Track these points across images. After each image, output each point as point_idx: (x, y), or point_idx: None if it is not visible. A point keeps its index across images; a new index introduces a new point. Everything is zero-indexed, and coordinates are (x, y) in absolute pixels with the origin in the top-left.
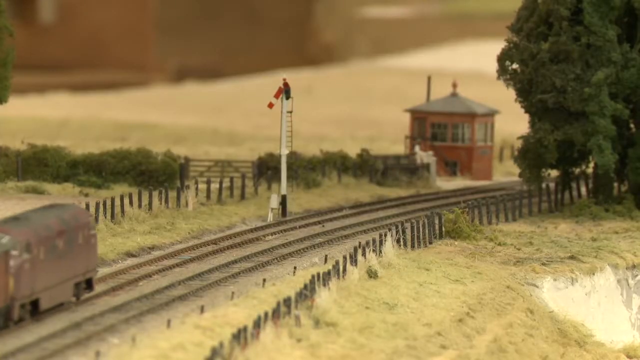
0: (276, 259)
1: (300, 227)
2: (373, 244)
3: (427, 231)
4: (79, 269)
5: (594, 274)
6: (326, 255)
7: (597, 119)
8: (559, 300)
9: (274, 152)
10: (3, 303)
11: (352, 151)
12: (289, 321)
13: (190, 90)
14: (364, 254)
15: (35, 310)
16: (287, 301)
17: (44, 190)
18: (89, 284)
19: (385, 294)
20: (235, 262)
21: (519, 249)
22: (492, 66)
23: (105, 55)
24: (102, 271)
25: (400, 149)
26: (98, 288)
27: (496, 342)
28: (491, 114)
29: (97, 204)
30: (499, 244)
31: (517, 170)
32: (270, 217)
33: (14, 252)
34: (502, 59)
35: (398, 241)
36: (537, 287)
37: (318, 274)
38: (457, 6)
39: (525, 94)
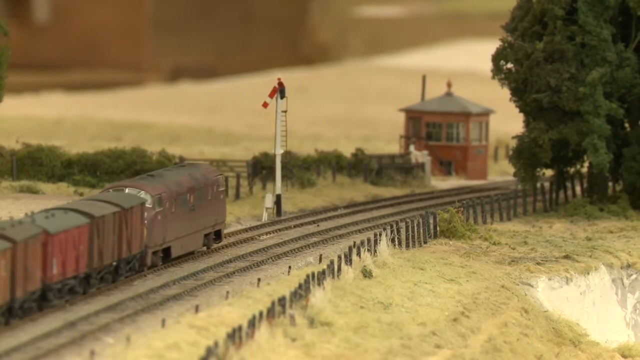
0: (271, 258)
1: (295, 226)
2: (368, 244)
3: (421, 231)
4: (208, 221)
5: (588, 273)
6: (321, 255)
7: (592, 119)
8: (553, 300)
9: (268, 152)
10: (138, 250)
11: (347, 151)
12: (284, 321)
13: (185, 89)
14: (358, 254)
15: (167, 258)
16: (281, 301)
17: (39, 190)
18: (217, 236)
19: (380, 294)
20: (229, 261)
21: (513, 249)
22: (487, 66)
23: (100, 55)
24: None
25: (395, 148)
26: None
27: (491, 341)
28: (486, 113)
29: None
30: (494, 244)
31: (512, 170)
32: (265, 217)
33: (148, 205)
34: (496, 58)
35: (393, 241)
36: (531, 286)
37: (313, 274)
38: (452, 6)
39: (520, 94)
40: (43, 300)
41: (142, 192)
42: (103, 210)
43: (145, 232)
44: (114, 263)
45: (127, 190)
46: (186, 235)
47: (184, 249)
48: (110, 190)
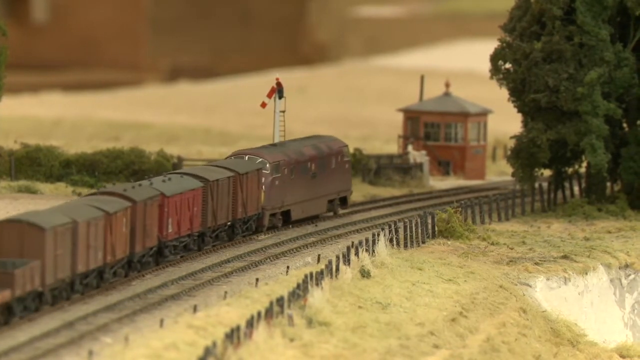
0: (269, 258)
1: (293, 226)
2: (366, 244)
3: (420, 231)
4: (331, 188)
5: (586, 273)
6: (319, 255)
7: (590, 119)
8: (552, 300)
9: None
10: (256, 211)
11: None
12: (282, 321)
13: (183, 89)
14: (356, 254)
15: (288, 219)
16: (280, 301)
17: (37, 190)
18: (343, 202)
19: (378, 294)
20: (228, 261)
21: (511, 249)
22: (485, 66)
23: (98, 55)
24: None
25: (393, 148)
26: None
27: (489, 341)
28: (484, 113)
29: None
30: (492, 244)
31: (510, 170)
32: None
33: (265, 171)
34: (495, 58)
35: (391, 241)
36: (530, 286)
37: (311, 274)
38: (450, 6)
39: (518, 94)
40: (159, 256)
41: (261, 159)
42: (218, 174)
43: (262, 195)
44: (229, 223)
45: (246, 158)
46: (307, 200)
47: (305, 212)
48: (232, 157)
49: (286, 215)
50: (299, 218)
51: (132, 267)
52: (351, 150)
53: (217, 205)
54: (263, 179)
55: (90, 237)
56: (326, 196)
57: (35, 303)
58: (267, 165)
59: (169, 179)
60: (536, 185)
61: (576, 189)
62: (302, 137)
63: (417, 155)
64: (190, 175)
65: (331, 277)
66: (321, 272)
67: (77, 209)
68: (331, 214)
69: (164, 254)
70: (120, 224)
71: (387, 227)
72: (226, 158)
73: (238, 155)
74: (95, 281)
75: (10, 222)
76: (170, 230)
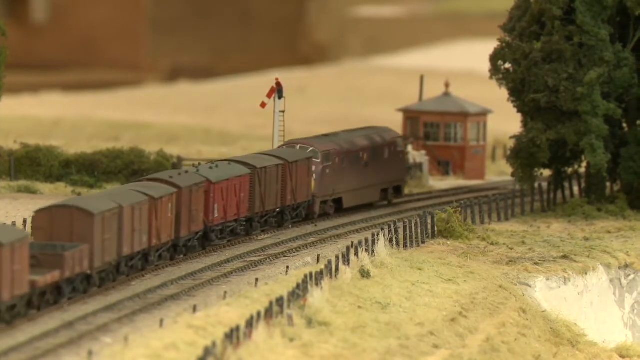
0: (269, 258)
1: (292, 226)
2: (365, 244)
3: (419, 231)
4: (384, 178)
5: (586, 273)
6: (319, 255)
7: (590, 119)
8: (551, 300)
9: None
10: (306, 198)
11: None
12: (282, 321)
13: (183, 89)
14: (356, 254)
15: (339, 206)
16: (279, 301)
17: (37, 190)
18: (397, 191)
19: (378, 294)
20: (227, 261)
21: (511, 249)
22: (485, 66)
23: (98, 55)
24: None
25: None
26: None
27: (489, 341)
28: (484, 113)
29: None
30: (492, 244)
31: (510, 170)
32: None
33: (316, 160)
34: (494, 58)
35: (390, 241)
36: (529, 286)
37: (311, 274)
38: (450, 6)
39: (518, 94)
40: (205, 240)
41: (312, 148)
42: (266, 162)
43: (313, 183)
44: (278, 209)
45: (298, 147)
46: (359, 189)
47: (357, 200)
48: (284, 146)
49: (338, 202)
50: (351, 206)
51: (177, 250)
52: None
53: (265, 191)
54: (314, 168)
55: (135, 221)
56: (379, 185)
57: (83, 285)
58: (318, 154)
59: (216, 166)
60: (536, 185)
61: (576, 189)
62: (356, 128)
63: (416, 155)
64: (238, 163)
65: (331, 277)
66: (321, 272)
67: (123, 195)
68: (385, 202)
69: (210, 238)
70: (166, 209)
71: (387, 227)
72: (278, 147)
73: (290, 144)
74: (140, 263)
75: (60, 207)
76: (216, 215)
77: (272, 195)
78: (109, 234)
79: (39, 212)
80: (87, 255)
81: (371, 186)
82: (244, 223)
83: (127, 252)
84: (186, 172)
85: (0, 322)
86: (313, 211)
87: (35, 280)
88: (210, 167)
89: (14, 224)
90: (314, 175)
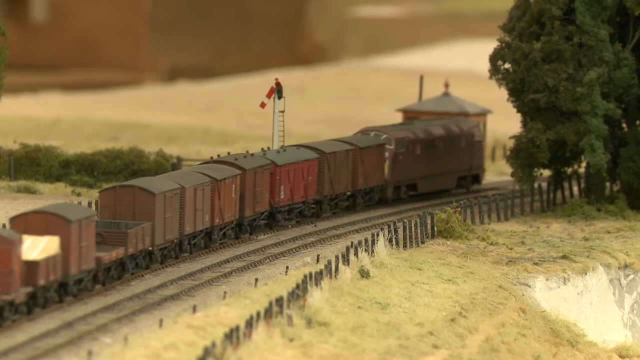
0: (268, 258)
1: (292, 226)
2: (365, 244)
3: (419, 231)
4: (461, 166)
5: (586, 273)
6: (318, 255)
7: (589, 119)
8: (551, 300)
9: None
10: (379, 183)
11: None
12: (281, 321)
13: (183, 89)
14: (356, 254)
15: (414, 190)
16: (279, 301)
17: (36, 190)
18: (475, 179)
19: (378, 294)
20: (227, 261)
21: (511, 249)
22: (485, 66)
23: (97, 55)
24: None
25: None
26: None
27: (488, 341)
28: (483, 113)
29: (89, 204)
30: (491, 244)
31: (510, 170)
32: None
33: (389, 147)
34: (494, 58)
35: (390, 241)
36: (529, 286)
37: (310, 274)
38: (449, 6)
39: (518, 94)
40: (272, 220)
41: (385, 135)
42: (335, 148)
43: (386, 168)
44: (348, 193)
45: (372, 134)
46: (434, 176)
47: (433, 187)
48: (360, 134)
49: (413, 188)
50: (426, 191)
51: (242, 229)
52: None
53: (335, 175)
54: (386, 154)
55: (198, 201)
56: (456, 173)
57: (145, 261)
58: (392, 141)
59: (284, 150)
60: (535, 185)
61: (575, 189)
62: (435, 118)
63: None
64: (307, 148)
65: (330, 277)
66: (320, 272)
67: (186, 176)
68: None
69: (276, 219)
70: (229, 190)
71: (387, 227)
72: (354, 134)
73: (364, 131)
74: (203, 241)
75: (124, 187)
76: (282, 197)
77: (342, 179)
78: (170, 213)
79: (104, 192)
80: (149, 233)
81: (447, 173)
82: (314, 205)
83: (189, 230)
84: (252, 155)
85: (68, 295)
86: (386, 196)
87: (101, 257)
88: (278, 152)
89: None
90: (387, 161)
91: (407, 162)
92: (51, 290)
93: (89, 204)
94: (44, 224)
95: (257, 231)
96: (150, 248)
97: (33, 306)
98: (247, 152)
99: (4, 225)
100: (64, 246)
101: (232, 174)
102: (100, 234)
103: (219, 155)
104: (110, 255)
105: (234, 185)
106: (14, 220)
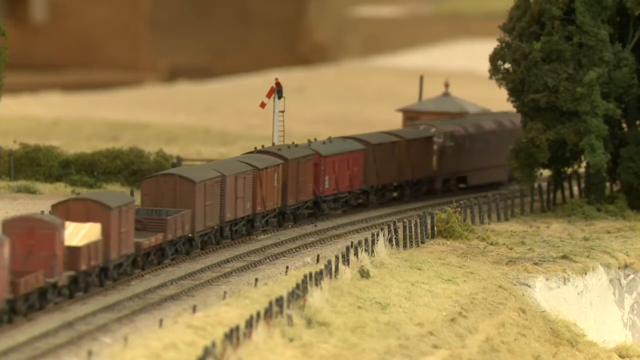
0: (268, 258)
1: (292, 226)
2: (365, 244)
3: (419, 231)
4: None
5: (586, 273)
6: (318, 255)
7: (589, 119)
8: (551, 300)
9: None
10: (426, 174)
11: None
12: (281, 321)
13: (183, 89)
14: (356, 254)
15: (464, 183)
16: (279, 301)
17: (36, 190)
18: None
19: (378, 294)
20: (227, 261)
21: (511, 249)
22: (485, 66)
23: (97, 55)
24: None
25: None
26: None
27: (488, 341)
28: (483, 113)
29: (131, 192)
30: (491, 244)
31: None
32: None
33: (437, 139)
34: (494, 58)
35: (390, 241)
36: (529, 286)
37: (310, 274)
38: (449, 6)
39: (518, 94)
40: (316, 209)
41: (434, 129)
42: (382, 139)
43: (434, 161)
44: (394, 183)
45: (421, 127)
46: (485, 169)
47: (483, 179)
48: (409, 127)
49: (463, 180)
50: (477, 184)
51: (285, 217)
52: None
53: (381, 166)
54: (435, 147)
55: (239, 189)
56: (508, 166)
57: (185, 247)
58: (440, 134)
59: (330, 141)
60: (535, 185)
61: (575, 189)
62: (488, 113)
63: None
64: (353, 139)
65: (330, 277)
66: (320, 272)
67: (227, 165)
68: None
69: (321, 208)
70: (271, 179)
71: (387, 227)
72: (406, 126)
73: (414, 125)
74: (244, 228)
75: (165, 175)
76: (327, 187)
77: (388, 170)
78: (210, 201)
79: (146, 180)
80: (188, 220)
81: (499, 166)
82: (360, 195)
83: (230, 217)
84: (296, 145)
85: (108, 279)
86: (435, 187)
87: (140, 242)
88: (324, 143)
89: None
90: (435, 153)
91: (456, 155)
92: (92, 275)
93: (131, 192)
94: (85, 210)
95: (299, 219)
96: (190, 234)
97: (75, 290)
98: (293, 143)
99: (42, 212)
100: (105, 232)
101: (274, 163)
102: (141, 220)
103: (262, 146)
104: (149, 240)
105: (276, 175)
106: (55, 207)
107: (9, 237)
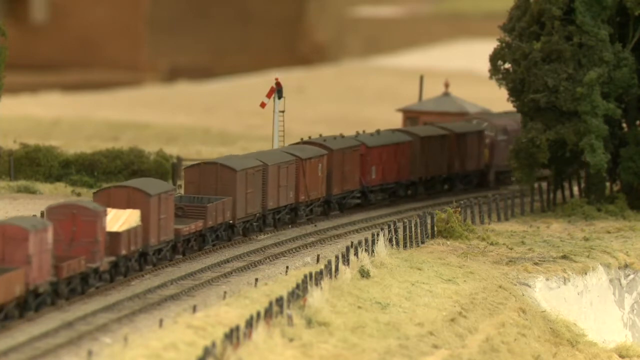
0: (268, 258)
1: (292, 226)
2: (365, 244)
3: (419, 231)
4: None
5: (586, 273)
6: (318, 255)
7: (589, 119)
8: (551, 300)
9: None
10: (476, 168)
11: None
12: (281, 321)
13: (182, 89)
14: (356, 254)
15: (505, 178)
16: (279, 301)
17: (36, 190)
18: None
19: (378, 294)
20: (227, 261)
21: (511, 249)
22: (485, 66)
23: (97, 55)
24: None
25: None
26: None
27: (488, 341)
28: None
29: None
30: (491, 244)
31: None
32: None
33: (489, 133)
34: (494, 58)
35: (390, 241)
36: (529, 286)
37: (310, 274)
38: (449, 6)
39: (518, 94)
40: (363, 198)
41: (486, 123)
42: (431, 132)
43: (486, 154)
44: (443, 175)
45: (474, 122)
46: None
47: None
48: (463, 120)
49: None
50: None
51: (330, 206)
52: None
53: (429, 158)
54: (487, 140)
55: (281, 178)
56: None
57: (227, 234)
58: (493, 128)
59: (378, 133)
60: (535, 185)
61: (575, 189)
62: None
63: None
64: (400, 132)
65: (330, 277)
66: (320, 272)
67: (270, 155)
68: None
69: (368, 198)
70: (315, 169)
71: (387, 227)
72: (466, 119)
73: (467, 119)
74: (287, 217)
75: (208, 164)
76: (373, 177)
77: (436, 162)
78: (252, 189)
79: (189, 169)
80: (229, 207)
81: None
82: (409, 186)
83: (272, 205)
84: (342, 137)
85: (148, 264)
86: (487, 180)
87: (180, 229)
88: (372, 135)
89: None
90: (487, 147)
91: (507, 149)
92: (132, 260)
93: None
94: (126, 197)
95: (344, 208)
96: (231, 221)
97: (115, 274)
98: (340, 134)
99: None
100: (144, 218)
101: (318, 154)
102: (182, 207)
103: (309, 137)
104: (189, 227)
105: (320, 165)
106: (97, 194)
107: (52, 223)
